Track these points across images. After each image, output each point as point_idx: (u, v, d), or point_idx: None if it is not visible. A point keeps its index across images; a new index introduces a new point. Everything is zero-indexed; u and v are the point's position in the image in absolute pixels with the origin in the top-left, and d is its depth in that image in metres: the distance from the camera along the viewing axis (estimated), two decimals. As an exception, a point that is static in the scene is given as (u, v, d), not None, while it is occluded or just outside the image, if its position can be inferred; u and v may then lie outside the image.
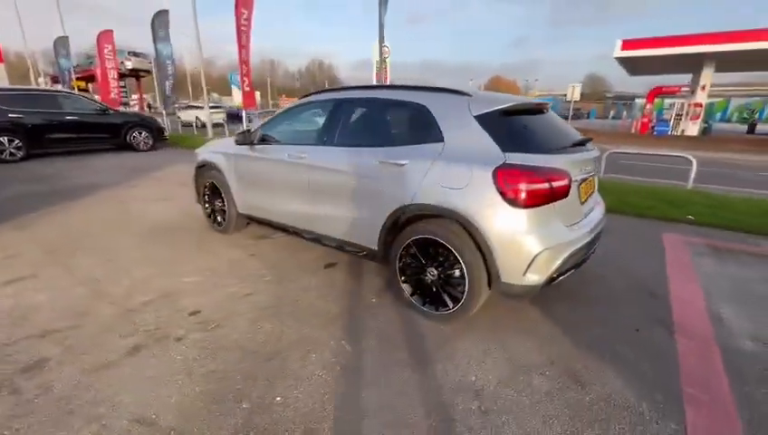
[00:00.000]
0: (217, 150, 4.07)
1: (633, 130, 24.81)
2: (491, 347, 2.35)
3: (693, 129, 22.14)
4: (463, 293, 2.41)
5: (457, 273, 2.43)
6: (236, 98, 40.41)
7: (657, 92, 25.32)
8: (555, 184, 2.17)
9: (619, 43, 21.72)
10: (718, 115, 31.91)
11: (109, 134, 10.47)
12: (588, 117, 47.68)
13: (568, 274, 2.36)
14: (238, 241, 4.09)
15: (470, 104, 2.44)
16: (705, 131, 22.78)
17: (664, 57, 21.61)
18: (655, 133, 23.50)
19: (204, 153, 4.28)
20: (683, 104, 23.50)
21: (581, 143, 2.62)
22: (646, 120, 24.47)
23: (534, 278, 2.21)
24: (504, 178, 2.16)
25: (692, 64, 22.71)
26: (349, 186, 2.84)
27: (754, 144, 18.40)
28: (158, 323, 2.56)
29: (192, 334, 2.45)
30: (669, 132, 23.26)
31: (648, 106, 25.21)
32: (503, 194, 2.16)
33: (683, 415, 1.86)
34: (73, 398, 1.92)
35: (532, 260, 2.17)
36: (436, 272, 2.53)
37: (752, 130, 25.28)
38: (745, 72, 30.45)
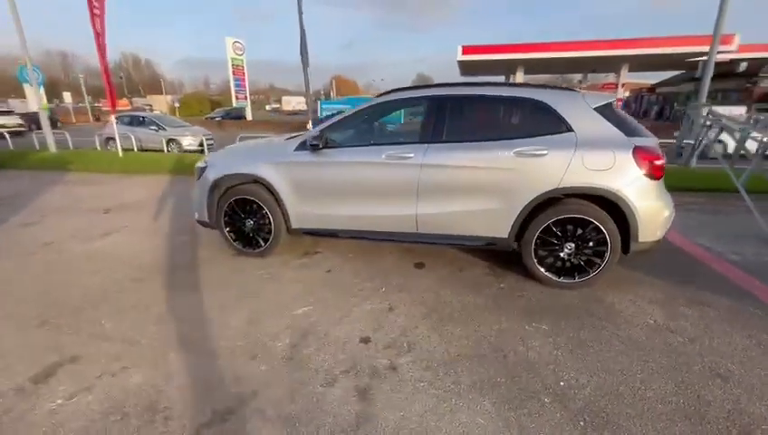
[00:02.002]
0: (257, 160, 3.43)
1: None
2: (633, 298, 2.87)
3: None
4: (602, 259, 2.86)
5: (592, 243, 2.86)
6: (31, 99, 31.10)
7: (488, 90, 30.93)
8: (664, 160, 2.81)
9: (461, 49, 25.55)
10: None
11: None
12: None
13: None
14: (290, 261, 3.57)
15: (586, 99, 2.87)
16: None
17: (492, 61, 26.45)
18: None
19: (220, 166, 3.52)
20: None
21: None
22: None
23: (659, 234, 2.83)
24: (641, 157, 2.68)
25: (509, 68, 28.50)
26: (478, 180, 2.93)
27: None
28: (343, 361, 2.19)
29: (399, 359, 2.21)
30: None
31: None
32: (641, 170, 2.67)
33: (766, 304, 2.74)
34: (382, 460, 1.59)
35: (664, 220, 2.77)
36: (572, 245, 2.90)
37: None
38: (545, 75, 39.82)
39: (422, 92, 3.16)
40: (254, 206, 3.49)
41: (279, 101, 66.98)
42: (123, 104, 37.79)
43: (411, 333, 2.46)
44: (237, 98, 28.80)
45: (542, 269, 3.00)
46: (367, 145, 3.19)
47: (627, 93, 38.84)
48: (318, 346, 2.32)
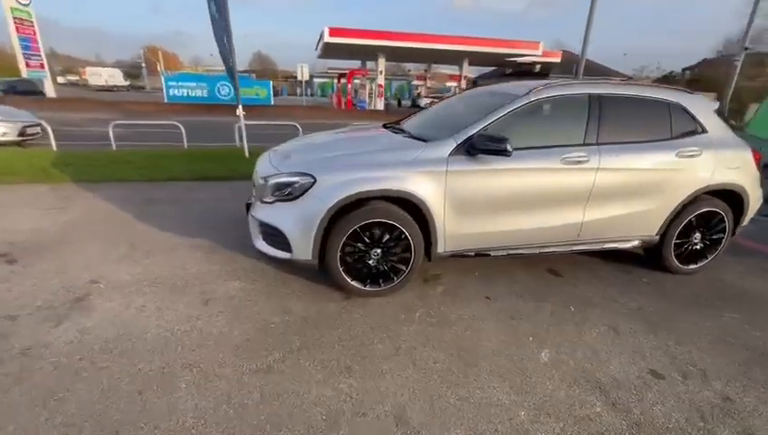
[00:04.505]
0: (399, 171, 2.52)
1: (342, 107, 29.53)
2: (737, 275, 3.39)
3: (380, 104, 29.13)
4: (720, 245, 3.29)
5: (710, 232, 3.25)
6: None
7: (354, 74, 30.90)
8: None
9: (327, 31, 24.74)
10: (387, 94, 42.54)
11: None
12: (281, 93, 50.85)
13: None
14: (425, 294, 2.86)
15: (705, 101, 3.17)
16: (394, 106, 30.44)
17: (356, 46, 26.56)
18: (358, 108, 29.07)
19: (345, 182, 2.48)
20: (371, 85, 30.06)
21: None
22: (349, 97, 29.73)
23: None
24: (755, 156, 3.15)
25: (371, 53, 29.18)
26: (645, 182, 2.92)
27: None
28: (681, 407, 1.92)
29: (715, 386, 2.06)
30: (366, 108, 29.29)
31: (350, 86, 30.51)
32: (756, 167, 3.15)
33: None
34: None
35: (760, 205, 3.34)
36: (699, 236, 3.24)
37: (414, 104, 35.22)
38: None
39: (581, 89, 2.89)
40: (384, 231, 2.62)
41: (76, 72, 51.79)
42: None
43: (677, 352, 2.33)
44: (29, 65, 20.79)
45: (676, 262, 3.25)
46: (537, 148, 2.75)
47: (455, 84, 44.45)
48: (634, 394, 1.96)
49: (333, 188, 2.46)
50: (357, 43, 25.80)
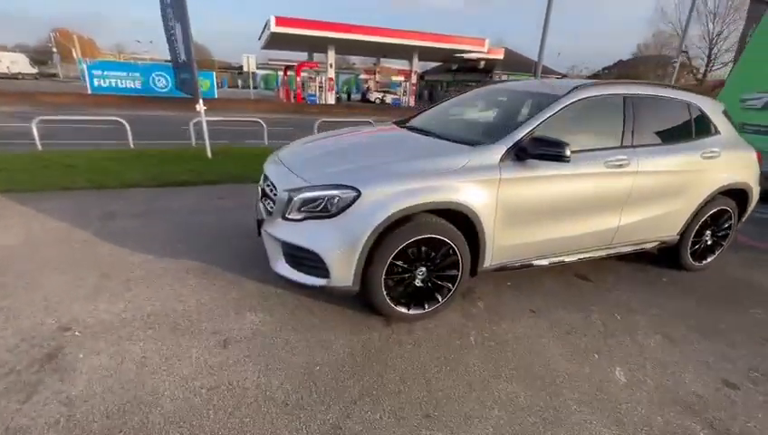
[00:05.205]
0: (449, 179, 2.22)
1: (291, 100, 28.28)
2: (743, 272, 3.55)
3: (331, 98, 28.40)
4: (726, 240, 3.43)
5: (717, 229, 3.38)
6: None
7: (303, 66, 29.56)
8: None
9: (273, 20, 23.42)
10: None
11: None
12: (221, 85, 47.34)
13: None
14: (471, 313, 2.63)
15: (716, 103, 3.25)
16: (344, 100, 29.62)
17: (305, 36, 25.48)
18: (308, 102, 28.07)
19: (392, 194, 2.13)
20: (320, 77, 29.11)
21: None
22: (299, 90, 28.53)
23: None
24: (759, 156, 3.30)
25: (321, 45, 28.21)
26: (674, 183, 2.92)
27: (372, 109, 26.56)
28: (768, 420, 1.88)
29: (785, 392, 2.06)
30: (317, 101, 28.37)
31: (298, 78, 29.21)
32: (759, 166, 3.31)
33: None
34: None
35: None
36: (710, 233, 3.35)
37: (363, 98, 34.77)
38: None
39: (616, 90, 2.79)
40: (430, 248, 2.33)
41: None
42: None
43: (734, 356, 2.32)
44: None
45: (690, 259, 3.33)
46: (582, 151, 2.59)
47: (402, 79, 44.09)
48: (724, 411, 1.88)
49: (382, 203, 2.11)
50: (306, 33, 24.76)
